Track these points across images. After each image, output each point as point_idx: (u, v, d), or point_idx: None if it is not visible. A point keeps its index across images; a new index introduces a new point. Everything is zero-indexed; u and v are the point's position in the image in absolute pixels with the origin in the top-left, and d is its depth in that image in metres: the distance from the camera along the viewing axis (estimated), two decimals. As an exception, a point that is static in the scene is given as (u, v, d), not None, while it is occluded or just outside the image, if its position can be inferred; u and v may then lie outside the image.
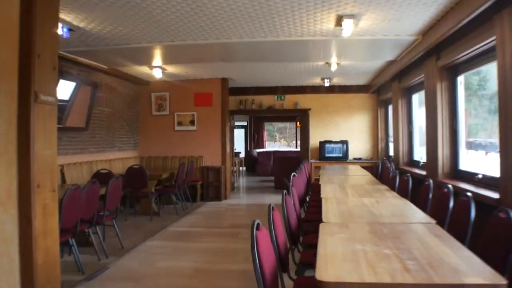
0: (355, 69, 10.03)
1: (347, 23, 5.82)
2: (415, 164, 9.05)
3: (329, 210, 4.16)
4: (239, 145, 21.82)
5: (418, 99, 9.55)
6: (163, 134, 11.49)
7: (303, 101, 12.86)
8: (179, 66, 9.57)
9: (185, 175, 9.72)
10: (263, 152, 19.41)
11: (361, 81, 12.17)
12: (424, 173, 7.53)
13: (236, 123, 21.55)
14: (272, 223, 3.16)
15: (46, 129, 3.60)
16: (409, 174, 6.43)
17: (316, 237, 4.21)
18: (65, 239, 5.04)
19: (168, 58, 8.50)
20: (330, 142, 12.50)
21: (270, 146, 26.06)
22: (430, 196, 5.01)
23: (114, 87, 10.15)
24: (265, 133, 23.46)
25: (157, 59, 8.56)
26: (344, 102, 12.83)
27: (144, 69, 9.68)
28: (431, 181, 5.22)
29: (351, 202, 4.70)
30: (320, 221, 3.67)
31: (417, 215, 3.93)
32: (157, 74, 9.61)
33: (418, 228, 3.32)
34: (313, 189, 8.33)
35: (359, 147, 12.79)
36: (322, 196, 5.11)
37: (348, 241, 2.96)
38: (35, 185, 3.44)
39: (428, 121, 7.32)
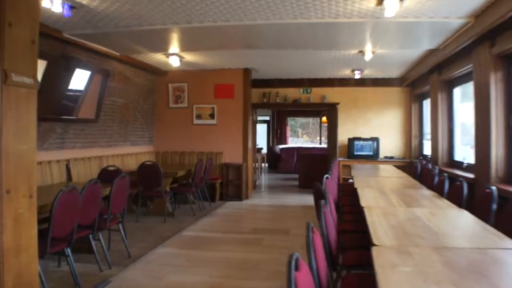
0: (390, 59, 9.13)
1: (391, 1, 4.98)
2: (457, 165, 8.16)
3: (377, 226, 3.32)
4: (262, 140, 21.10)
5: (460, 93, 8.65)
6: (181, 128, 10.75)
7: (331, 94, 11.99)
8: (197, 54, 8.80)
9: (204, 173, 8.95)
10: (286, 148, 18.57)
11: (394, 73, 11.25)
12: (470, 175, 6.67)
13: (259, 118, 20.86)
14: (312, 253, 2.30)
15: (20, 118, 2.84)
16: (462, 179, 5.56)
17: (358, 255, 3.39)
18: (59, 249, 4.29)
19: (185, 44, 7.72)
20: (359, 139, 11.62)
21: (292, 142, 25.21)
22: (494, 207, 4.13)
23: (128, 76, 9.42)
24: (288, 128, 22.61)
25: (173, 45, 7.79)
26: (375, 96, 11.94)
27: (160, 57, 8.93)
28: (493, 188, 4.33)
29: (401, 214, 3.84)
30: (360, 232, 2.83)
31: (493, 237, 3.05)
32: (174, 62, 8.85)
33: (503, 257, 2.48)
34: (343, 191, 7.48)
35: (391, 145, 11.88)
36: (363, 205, 4.27)
37: (418, 279, 2.13)
38: (3, 190, 2.67)
39: (478, 118, 6.44)
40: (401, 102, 11.88)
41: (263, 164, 17.52)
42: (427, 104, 11.30)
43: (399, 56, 8.85)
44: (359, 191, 5.28)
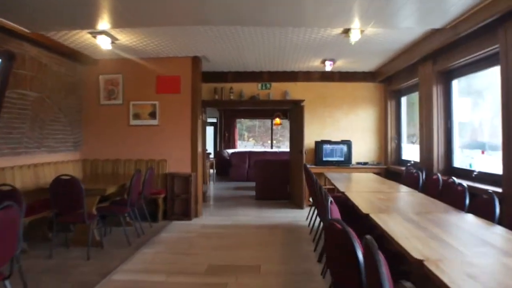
0: (374, 45, 7.48)
1: None
2: (460, 173, 6.60)
3: None
4: (208, 145, 19.12)
5: (457, 87, 7.14)
6: (115, 130, 8.67)
7: (294, 90, 10.27)
8: (134, 34, 6.80)
9: (142, 187, 6.96)
10: (237, 153, 16.69)
11: (367, 66, 9.65)
12: (490, 188, 5.16)
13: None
14: None
15: None
16: (490, 190, 3.98)
17: None
18: None
19: (117, 15, 5.71)
20: (328, 142, 9.93)
21: (241, 146, 23.35)
22: None
23: (45, 63, 7.29)
24: (237, 131, 20.73)
25: (102, 18, 5.78)
26: (345, 93, 10.32)
27: (86, 37, 6.89)
28: None
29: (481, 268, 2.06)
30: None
31: None
32: (104, 44, 6.84)
33: None
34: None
35: (363, 148, 10.28)
36: (417, 256, 2.46)
37: None
38: None
39: (506, 114, 4.92)
40: (374, 100, 10.32)
41: (211, 171, 15.57)
42: (404, 101, 9.80)
43: (387, 41, 7.19)
44: (379, 221, 3.47)
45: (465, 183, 5.21)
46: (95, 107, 8.71)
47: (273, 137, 21.24)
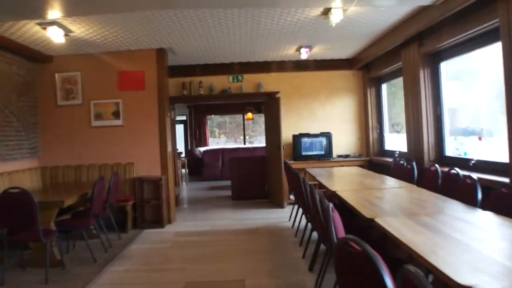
0: (355, 28, 6.90)
1: None
2: (455, 162, 6.06)
3: None
4: (179, 143, 18.41)
5: (446, 70, 6.64)
6: (75, 133, 7.90)
7: (268, 82, 9.64)
8: (90, 24, 6.06)
9: (107, 195, 6.24)
10: (209, 150, 15.97)
11: (343, 53, 9.11)
12: (493, 178, 4.67)
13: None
14: None
15: None
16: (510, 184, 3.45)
17: None
18: None
19: (68, 2, 4.98)
20: (307, 135, 9.35)
21: (213, 143, 22.65)
22: None
23: (-10, 61, 6.52)
24: (208, 128, 19.99)
25: (52, 6, 5.05)
26: (320, 82, 9.75)
27: (36, 30, 6.12)
28: None
29: None
30: None
31: None
32: (56, 37, 6.09)
33: None
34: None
35: (343, 140, 9.74)
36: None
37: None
38: None
39: (510, 94, 4.42)
40: (352, 88, 9.79)
41: (183, 171, 14.85)
42: (385, 89, 9.29)
43: (369, 22, 6.62)
44: (390, 229, 2.87)
45: (461, 173, 4.71)
46: (52, 108, 7.92)
47: (246, 132, 20.57)
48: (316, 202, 3.73)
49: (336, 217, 2.88)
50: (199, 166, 15.55)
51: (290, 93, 9.60)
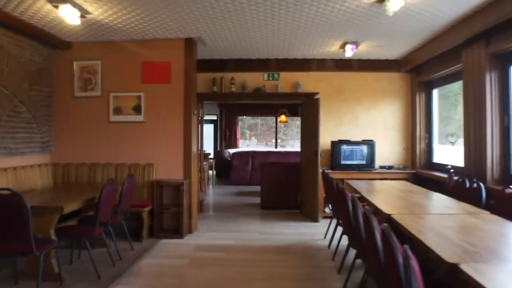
0: (418, 19, 5.95)
1: None
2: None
3: None
4: (207, 144, 17.68)
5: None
6: (92, 128, 7.17)
7: (306, 81, 8.77)
8: (109, 4, 5.28)
9: (119, 199, 5.45)
10: (238, 153, 15.16)
11: (392, 53, 8.17)
12: None
13: (204, 117, 17.39)
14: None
15: None
16: None
17: None
18: None
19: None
20: (347, 142, 8.42)
21: (243, 145, 21.85)
22: None
23: (1, 44, 5.80)
24: (239, 129, 19.17)
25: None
26: (365, 85, 8.83)
27: (48, 9, 5.39)
28: None
29: None
30: None
31: None
32: (70, 18, 5.33)
33: None
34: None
35: (387, 149, 8.79)
36: None
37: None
38: None
39: None
40: (399, 93, 8.82)
41: (210, 172, 14.06)
42: (436, 94, 8.32)
43: (430, 14, 5.68)
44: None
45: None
46: (69, 100, 7.21)
47: (277, 136, 19.69)
48: (375, 235, 2.83)
49: (416, 269, 1.98)
50: (227, 168, 14.73)
51: (330, 95, 8.70)
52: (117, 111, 7.11)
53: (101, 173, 7.06)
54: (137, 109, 7.07)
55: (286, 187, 9.21)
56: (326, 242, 6.36)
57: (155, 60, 7.07)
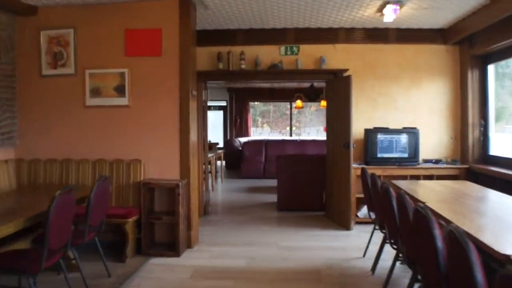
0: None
1: None
2: None
3: None
4: (216, 133, 16.23)
5: None
6: (63, 115, 5.65)
7: (333, 56, 7.20)
8: None
9: (87, 211, 3.92)
10: (250, 142, 13.62)
11: (438, 20, 6.62)
12: None
13: (212, 103, 15.97)
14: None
15: None
16: None
17: None
18: None
19: None
20: (385, 131, 6.82)
21: (255, 134, 20.33)
22: None
23: None
24: (250, 116, 17.60)
25: None
26: (404, 60, 7.25)
27: None
28: None
29: None
30: None
31: None
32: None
33: None
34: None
35: (432, 139, 7.22)
36: None
37: None
38: None
39: None
40: (446, 69, 7.25)
41: (219, 163, 12.51)
42: (492, 71, 6.74)
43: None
44: None
45: None
46: (35, 79, 5.68)
47: (292, 123, 18.17)
48: None
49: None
50: (238, 159, 13.17)
51: (361, 72, 7.10)
52: (95, 92, 5.56)
53: (76, 172, 5.54)
54: (120, 90, 5.51)
55: (308, 184, 7.66)
56: (367, 262, 4.80)
57: (142, 26, 5.50)
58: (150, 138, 5.47)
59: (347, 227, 6.44)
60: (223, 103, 16.83)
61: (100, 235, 4.40)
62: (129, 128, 5.51)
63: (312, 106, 20.48)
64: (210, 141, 10.02)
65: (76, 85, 5.59)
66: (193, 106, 5.59)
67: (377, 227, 4.67)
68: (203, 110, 7.23)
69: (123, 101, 5.51)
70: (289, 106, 17.53)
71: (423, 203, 3.32)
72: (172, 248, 5.21)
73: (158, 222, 5.33)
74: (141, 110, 5.50)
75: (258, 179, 12.03)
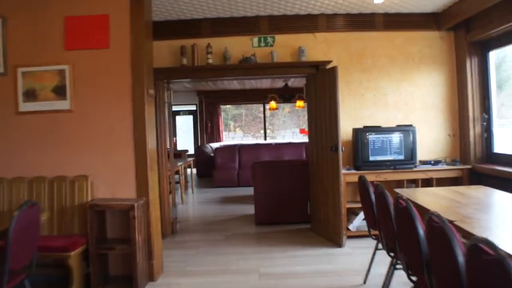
0: None
1: None
2: None
3: None
4: (187, 139, 15.32)
5: None
6: (-8, 123, 4.63)
7: (313, 46, 6.33)
8: None
9: (6, 249, 2.92)
10: (222, 147, 12.67)
11: (428, 4, 5.82)
12: None
13: (181, 108, 15.12)
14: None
15: None
16: None
17: None
18: None
19: None
20: (377, 130, 5.95)
21: (228, 138, 19.45)
22: None
23: None
24: (222, 119, 16.69)
25: None
26: (394, 49, 6.43)
27: None
28: None
29: None
30: None
31: None
32: None
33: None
34: None
35: (428, 138, 6.40)
36: None
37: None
38: None
39: None
40: (441, 58, 6.48)
41: (189, 171, 11.47)
42: (493, 58, 5.98)
43: None
44: None
45: None
46: (-45, 81, 4.63)
47: (267, 125, 17.43)
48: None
49: None
50: (210, 167, 12.17)
51: (345, 64, 6.24)
52: (30, 95, 4.53)
53: (9, 193, 4.49)
54: (59, 91, 4.50)
55: (289, 194, 6.74)
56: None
57: (84, 13, 4.51)
58: (98, 149, 4.47)
59: (338, 244, 5.51)
60: (193, 107, 15.94)
61: (39, 269, 3.41)
62: (72, 138, 4.50)
63: (286, 108, 19.83)
64: (177, 149, 9.03)
65: (6, 87, 4.55)
66: (150, 108, 4.61)
67: (379, 247, 3.80)
68: (169, 114, 6.26)
69: (64, 104, 4.50)
70: (262, 109, 16.80)
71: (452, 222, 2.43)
72: (129, 283, 4.21)
73: (111, 253, 4.32)
74: (87, 115, 4.49)
75: (232, 187, 11.06)
